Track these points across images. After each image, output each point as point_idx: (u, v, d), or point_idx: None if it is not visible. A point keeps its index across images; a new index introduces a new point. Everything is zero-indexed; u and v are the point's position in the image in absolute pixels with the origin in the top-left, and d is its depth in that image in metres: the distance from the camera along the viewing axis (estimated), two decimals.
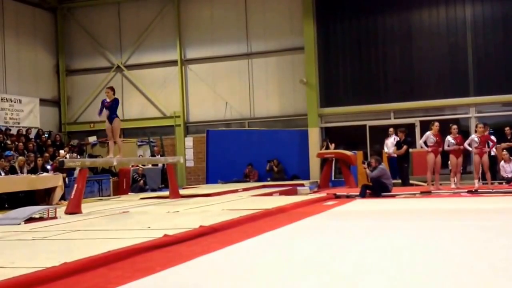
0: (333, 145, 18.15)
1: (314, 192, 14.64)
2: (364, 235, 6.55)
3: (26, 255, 5.52)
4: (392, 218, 8.43)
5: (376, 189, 12.20)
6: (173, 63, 21.31)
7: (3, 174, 13.52)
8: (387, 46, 18.92)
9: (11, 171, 13.89)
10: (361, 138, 19.04)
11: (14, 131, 18.77)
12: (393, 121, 18.44)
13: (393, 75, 18.87)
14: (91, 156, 19.05)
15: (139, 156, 19.73)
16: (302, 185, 16.44)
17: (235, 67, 20.77)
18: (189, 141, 21.15)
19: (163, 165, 17.90)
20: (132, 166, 17.89)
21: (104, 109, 11.53)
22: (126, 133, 21.48)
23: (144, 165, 18.47)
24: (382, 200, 11.43)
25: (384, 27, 19.01)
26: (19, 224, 8.24)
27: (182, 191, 14.14)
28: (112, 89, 11.71)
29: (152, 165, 19.06)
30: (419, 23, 18.75)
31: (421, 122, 18.12)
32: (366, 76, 19.09)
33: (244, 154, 19.34)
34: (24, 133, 18.72)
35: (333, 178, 17.69)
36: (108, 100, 11.51)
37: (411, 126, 18.09)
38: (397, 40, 18.81)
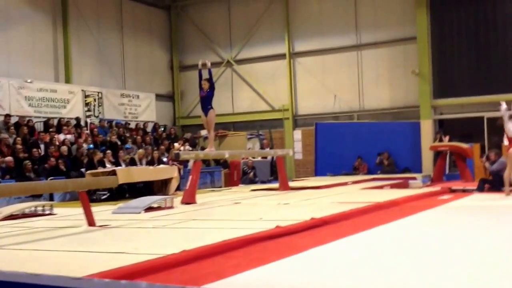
0: (447, 137, 17.37)
1: (427, 186, 14.14)
2: (485, 231, 6.23)
3: (148, 242, 5.84)
4: None
5: (496, 183, 11.54)
6: (281, 56, 21.46)
7: (124, 165, 14.35)
8: (508, 32, 17.80)
9: (131, 163, 14.70)
10: (477, 130, 18.10)
11: (132, 125, 19.83)
12: None
13: None
14: (203, 149, 19.68)
15: (248, 149, 20.09)
16: (414, 178, 15.91)
17: (344, 59, 20.52)
18: (297, 134, 21.23)
19: (272, 157, 18.13)
20: (243, 158, 18.26)
21: (200, 101, 11.60)
22: (236, 126, 22.01)
23: (254, 158, 18.79)
24: (503, 195, 10.79)
25: (503, 11, 17.91)
26: (140, 212, 8.72)
27: (291, 183, 14.21)
28: (208, 80, 11.36)
29: (262, 157, 19.35)
30: None
31: None
32: (484, 65, 18.10)
33: (353, 146, 19.09)
34: (141, 127, 19.71)
35: (447, 172, 16.98)
36: (204, 91, 11.29)
37: None
38: None
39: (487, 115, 18.05)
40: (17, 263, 4.85)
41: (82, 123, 17.99)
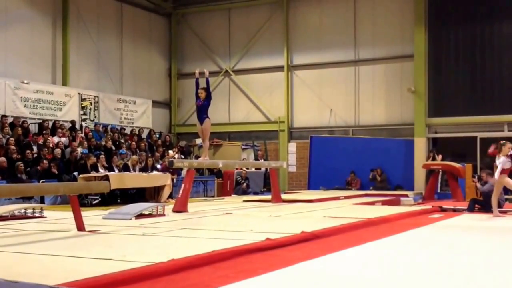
0: (440, 156, 17.49)
1: (419, 203, 14.19)
2: (472, 251, 6.25)
3: (137, 250, 5.82)
4: (504, 235, 7.97)
5: (486, 204, 11.58)
6: (279, 68, 21.53)
7: (117, 171, 14.32)
8: (504, 53, 17.96)
9: (124, 168, 14.66)
10: (470, 150, 18.20)
11: (127, 130, 19.79)
12: (506, 133, 17.44)
13: (509, 85, 17.87)
14: (197, 157, 19.66)
15: (242, 159, 20.10)
16: (406, 195, 16.01)
17: (341, 74, 20.61)
18: (292, 146, 21.26)
19: (266, 169, 18.14)
20: (236, 169, 18.27)
21: (196, 110, 11.66)
22: (232, 136, 22.03)
23: (247, 169, 18.79)
24: (491, 216, 10.83)
25: (500, 33, 18.08)
26: (130, 219, 8.71)
27: (283, 196, 14.24)
28: (205, 89, 11.44)
29: (256, 168, 19.35)
30: None
31: None
32: (479, 85, 18.24)
33: (347, 161, 19.14)
34: (137, 132, 19.67)
35: (439, 191, 17.03)
36: (201, 100, 11.37)
37: None
38: None
39: (480, 135, 18.16)
40: (1, 267, 4.82)
41: (77, 126, 17.95)
